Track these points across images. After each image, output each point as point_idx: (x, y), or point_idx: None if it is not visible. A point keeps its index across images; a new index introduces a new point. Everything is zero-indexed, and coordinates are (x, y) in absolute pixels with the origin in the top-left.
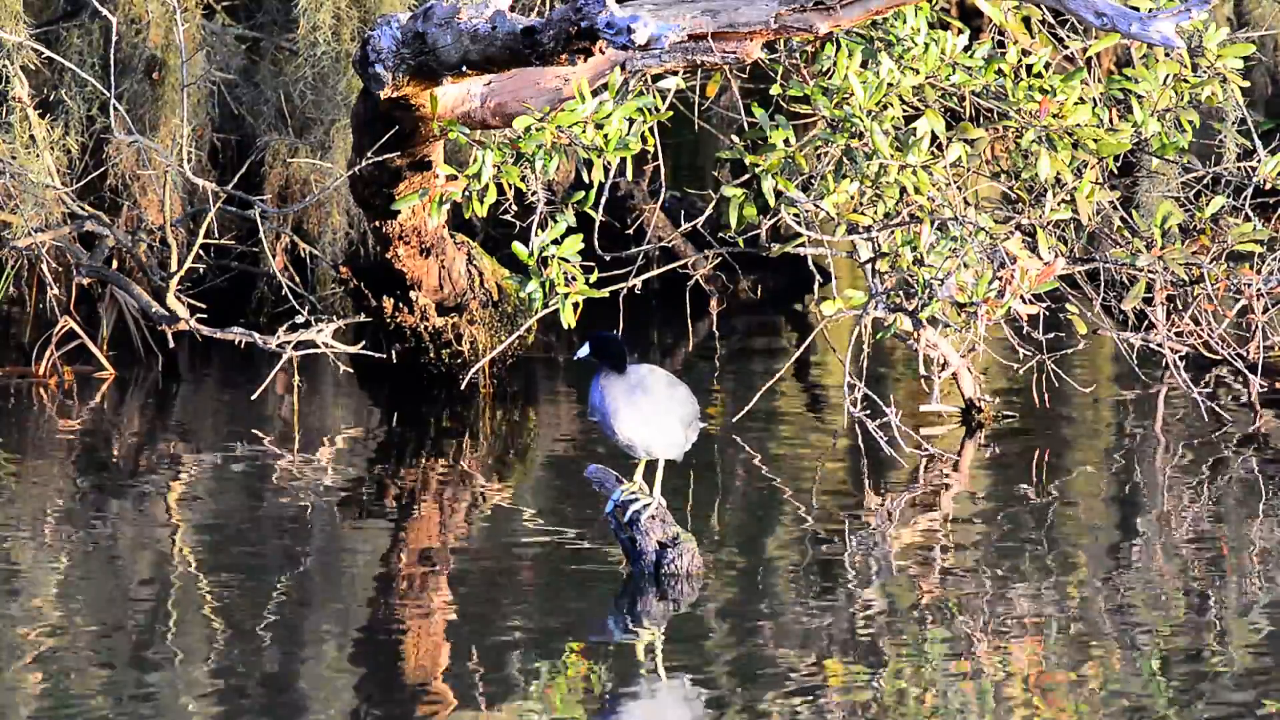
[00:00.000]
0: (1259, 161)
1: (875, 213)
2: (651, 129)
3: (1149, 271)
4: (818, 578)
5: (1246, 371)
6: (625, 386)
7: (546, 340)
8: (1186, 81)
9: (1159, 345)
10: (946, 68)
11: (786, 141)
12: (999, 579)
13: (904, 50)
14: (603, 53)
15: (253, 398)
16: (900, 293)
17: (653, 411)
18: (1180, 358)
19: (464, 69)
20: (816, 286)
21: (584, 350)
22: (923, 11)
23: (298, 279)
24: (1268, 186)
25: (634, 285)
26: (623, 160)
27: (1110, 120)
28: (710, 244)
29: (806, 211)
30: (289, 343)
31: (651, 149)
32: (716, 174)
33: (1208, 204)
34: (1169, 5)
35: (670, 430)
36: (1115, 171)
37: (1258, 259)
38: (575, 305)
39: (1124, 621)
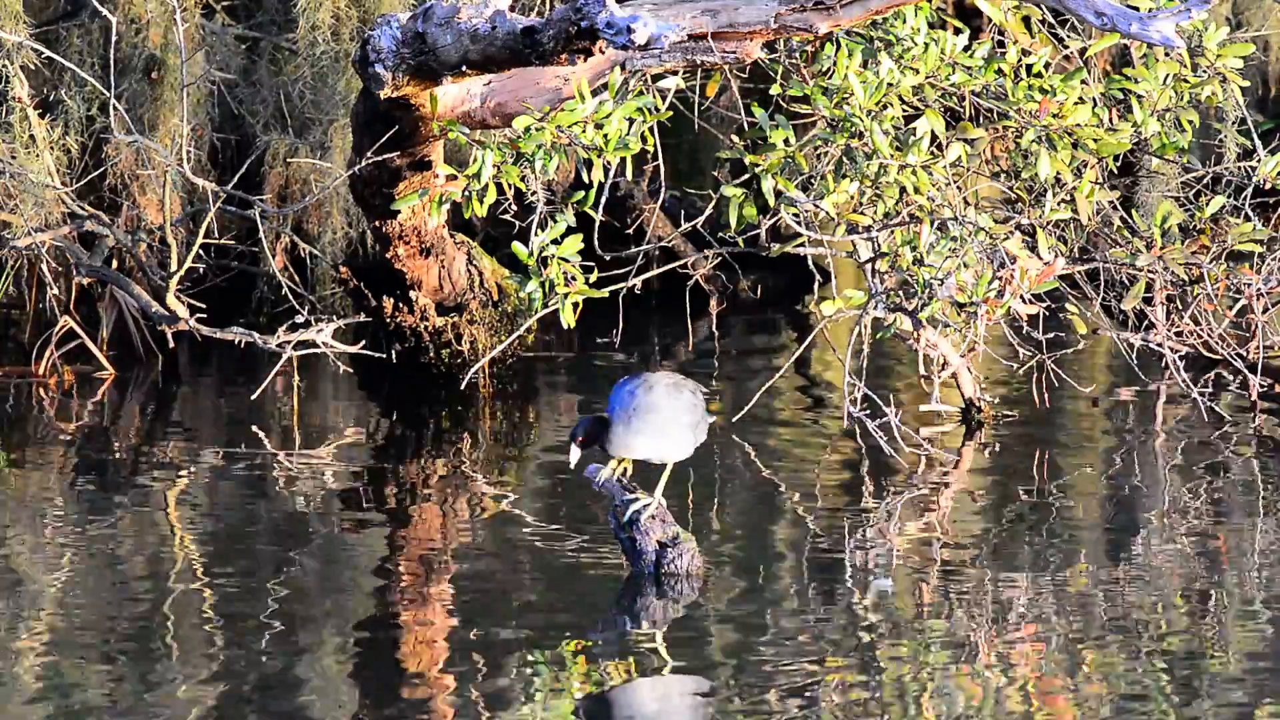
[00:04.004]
0: (1259, 161)
1: (875, 213)
2: (651, 129)
3: (1149, 271)
4: (818, 577)
5: (1246, 371)
6: (623, 420)
7: (546, 340)
8: (1186, 81)
9: (1159, 345)
10: (946, 67)
11: (786, 141)
12: (998, 578)
13: (904, 50)
14: (603, 53)
15: (253, 398)
16: (900, 293)
17: (658, 428)
18: (1180, 358)
19: (464, 69)
20: (816, 286)
21: (575, 454)
22: (923, 11)
23: (298, 279)
24: (1268, 186)
25: (634, 285)
26: (623, 160)
27: (1110, 120)
28: (710, 244)
29: (806, 211)
30: (289, 343)
31: (651, 149)
32: (716, 174)
33: (1208, 204)
34: (1169, 5)
35: (678, 439)
36: (1115, 171)
37: (1258, 259)
38: (575, 305)
39: (1124, 621)
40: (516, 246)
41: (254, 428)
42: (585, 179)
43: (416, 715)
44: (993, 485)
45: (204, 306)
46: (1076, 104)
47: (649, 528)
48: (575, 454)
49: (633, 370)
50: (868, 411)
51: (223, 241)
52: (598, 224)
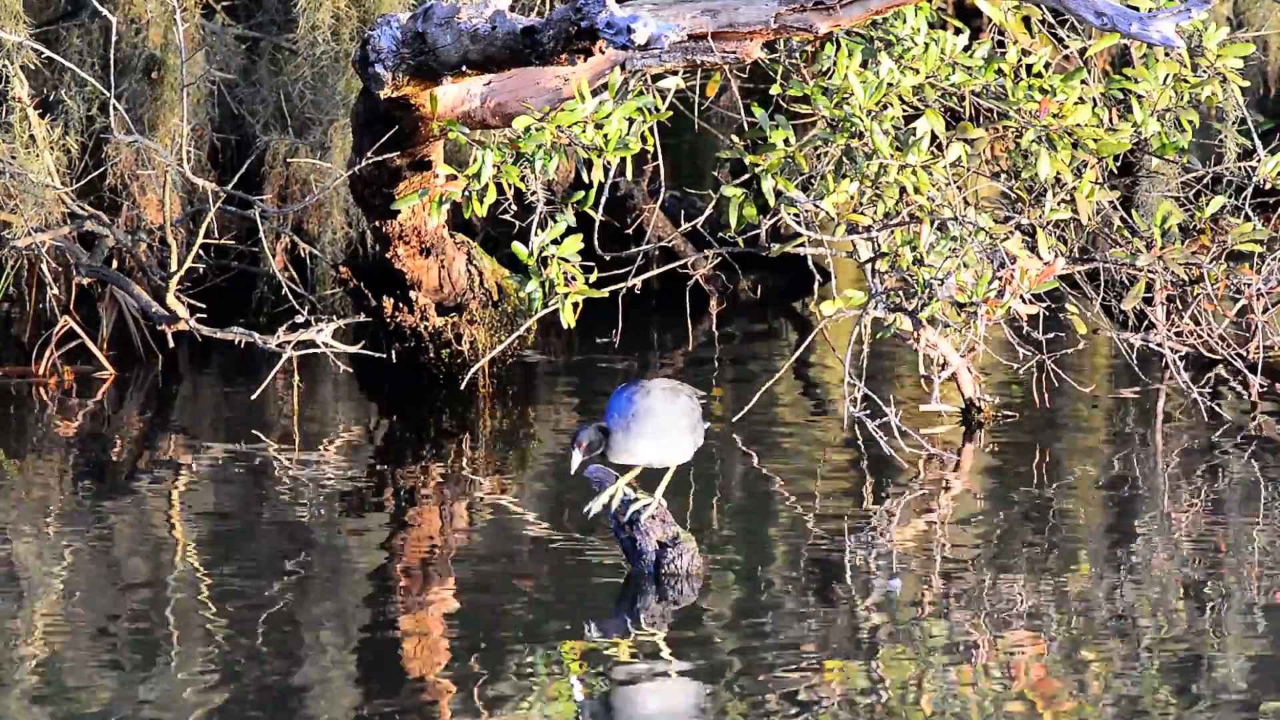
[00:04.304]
0: (1259, 161)
1: (875, 213)
2: (651, 129)
3: (1149, 271)
4: (818, 578)
5: (1246, 371)
6: (623, 426)
7: (546, 340)
8: (1186, 81)
9: (1159, 345)
10: (946, 68)
11: (786, 141)
12: (998, 578)
13: (904, 50)
14: (603, 53)
15: (253, 398)
16: (900, 293)
17: (658, 431)
18: (1180, 358)
19: (464, 69)
20: (816, 286)
21: (576, 459)
22: (923, 11)
23: (298, 279)
24: (1268, 186)
25: (634, 285)
26: (623, 160)
27: (1110, 120)
28: (710, 244)
29: (806, 211)
30: (289, 343)
31: (651, 149)
32: (716, 174)
33: (1208, 204)
34: (1169, 5)
35: (678, 441)
36: (1115, 171)
37: (1258, 259)
38: (575, 305)
39: (1124, 621)
40: (516, 246)
41: (254, 428)
42: (585, 179)
43: (416, 714)
44: (993, 485)
45: (204, 306)
46: (1076, 104)
47: (649, 528)
48: (577, 459)
49: (630, 375)
50: (868, 411)
51: (223, 241)
52: (598, 224)
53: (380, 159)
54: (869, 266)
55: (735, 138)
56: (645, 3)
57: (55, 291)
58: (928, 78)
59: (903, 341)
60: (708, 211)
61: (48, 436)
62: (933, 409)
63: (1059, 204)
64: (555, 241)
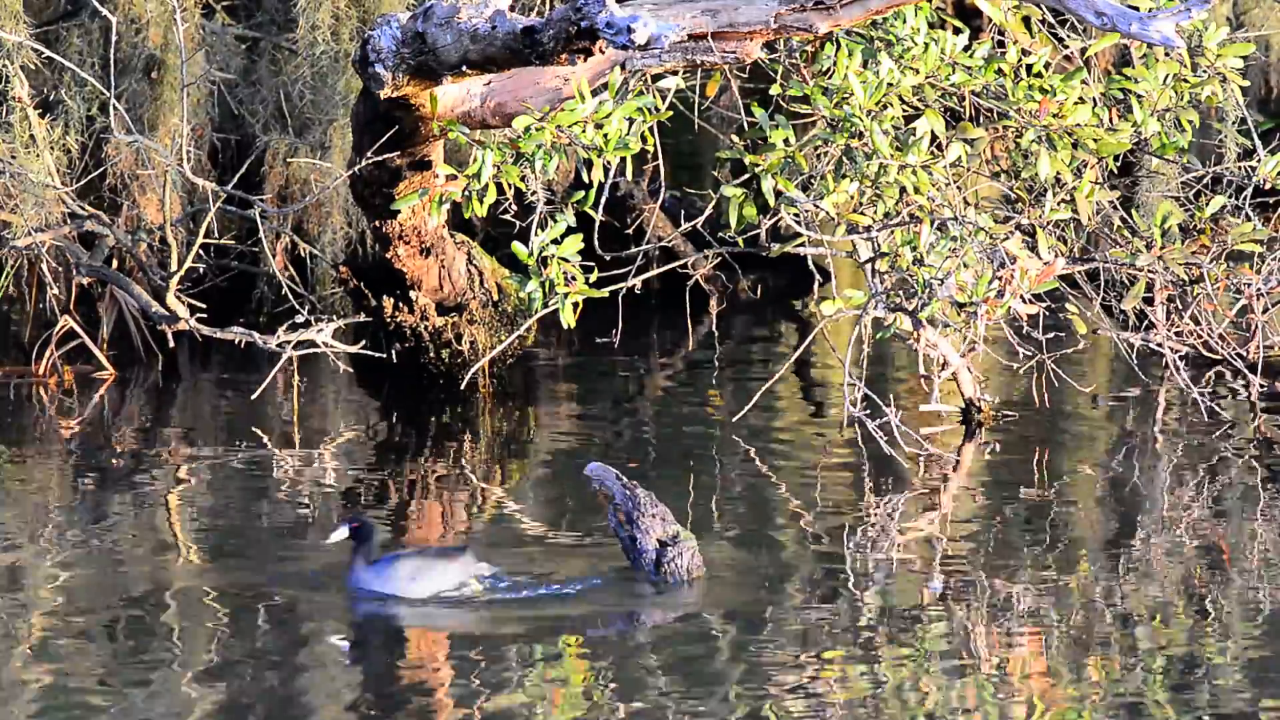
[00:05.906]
0: (1259, 161)
1: (875, 213)
2: (651, 129)
3: (1149, 271)
4: (818, 577)
5: (1246, 371)
6: (373, 573)
7: (546, 340)
8: (1186, 81)
9: (1159, 345)
10: (946, 67)
11: (786, 141)
12: (998, 578)
13: (904, 50)
14: (603, 52)
15: (253, 398)
16: (900, 293)
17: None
18: (1180, 358)
19: (464, 69)
20: (816, 286)
21: (341, 533)
22: (922, 11)
23: (298, 279)
24: (1268, 186)
25: (634, 285)
26: (623, 160)
27: (1110, 120)
28: (710, 244)
29: (806, 211)
30: (289, 342)
31: (651, 149)
32: (716, 174)
33: (1208, 204)
34: (1169, 5)
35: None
36: (1115, 171)
37: (1258, 259)
38: (575, 305)
39: (1124, 621)
40: (516, 246)
41: (254, 428)
42: (585, 179)
43: (416, 713)
44: (993, 485)
45: (204, 306)
46: (1076, 104)
47: (649, 526)
48: (341, 533)
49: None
50: (868, 411)
51: (223, 241)
52: (598, 224)
53: (380, 159)
54: (869, 266)
55: (735, 138)
56: (645, 3)
57: (55, 291)
58: (928, 78)
59: (903, 341)
60: (708, 211)
61: (48, 436)
62: (933, 409)
63: (1059, 204)
64: (555, 241)
